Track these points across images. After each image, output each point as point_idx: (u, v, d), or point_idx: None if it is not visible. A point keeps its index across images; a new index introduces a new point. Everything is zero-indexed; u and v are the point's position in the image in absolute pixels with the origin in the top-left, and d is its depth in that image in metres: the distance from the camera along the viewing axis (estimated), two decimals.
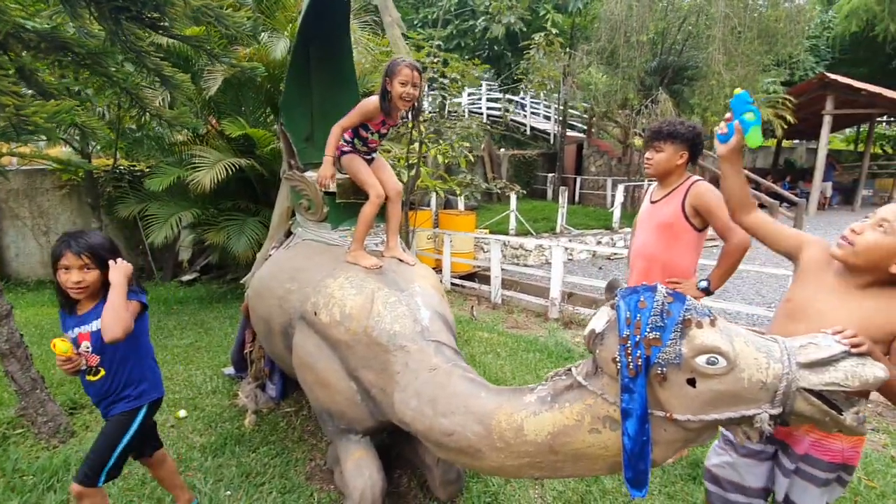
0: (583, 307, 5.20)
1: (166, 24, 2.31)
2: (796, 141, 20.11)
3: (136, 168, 7.04)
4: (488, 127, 7.98)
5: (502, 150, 13.74)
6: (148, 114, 2.73)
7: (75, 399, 3.06)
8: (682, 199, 2.18)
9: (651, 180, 2.43)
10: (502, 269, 5.90)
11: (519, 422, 1.50)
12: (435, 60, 4.20)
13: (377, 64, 5.19)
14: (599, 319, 1.34)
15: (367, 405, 1.98)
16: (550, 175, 13.00)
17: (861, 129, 21.91)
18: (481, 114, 12.36)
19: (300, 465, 2.44)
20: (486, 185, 6.19)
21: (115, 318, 1.66)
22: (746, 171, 10.49)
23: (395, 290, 2.05)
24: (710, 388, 1.20)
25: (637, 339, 1.23)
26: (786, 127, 11.98)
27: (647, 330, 1.22)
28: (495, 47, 11.74)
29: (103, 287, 1.76)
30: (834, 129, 15.03)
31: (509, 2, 5.51)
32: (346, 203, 2.39)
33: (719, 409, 1.22)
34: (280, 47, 5.02)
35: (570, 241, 7.93)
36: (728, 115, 1.52)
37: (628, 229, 9.35)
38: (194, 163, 5.00)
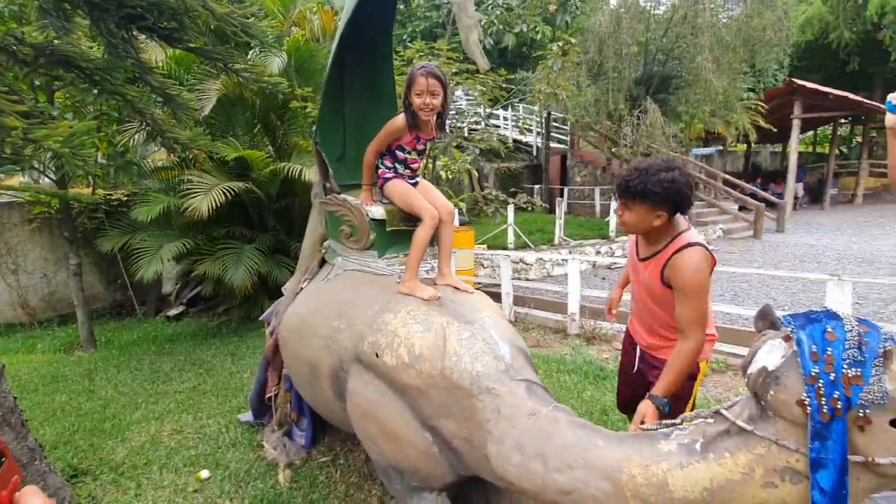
0: (603, 321, 5.05)
1: (181, 35, 2.05)
2: (757, 144, 20.95)
3: (113, 198, 6.57)
4: (505, 142, 7.90)
5: (482, 162, 13.68)
6: (162, 136, 2.45)
7: (74, 464, 2.67)
8: (661, 268, 1.76)
9: None
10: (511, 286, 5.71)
11: (661, 476, 1.28)
12: (455, 72, 4.04)
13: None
14: (771, 355, 1.15)
15: (446, 458, 1.73)
16: (536, 186, 13.02)
17: (819, 132, 23.10)
18: (463, 127, 12.30)
19: None
20: (511, 200, 6.05)
21: None
22: (725, 175, 10.66)
23: (465, 324, 1.82)
24: None
25: (832, 378, 1.04)
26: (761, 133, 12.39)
27: (845, 366, 1.04)
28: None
29: None
30: (800, 132, 15.65)
31: (519, 10, 5.46)
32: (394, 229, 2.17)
33: None
34: (275, 63, 4.77)
35: (570, 251, 7.84)
36: None
37: (625, 238, 9.36)
38: (186, 189, 4.65)
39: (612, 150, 10.25)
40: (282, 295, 2.80)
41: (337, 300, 2.13)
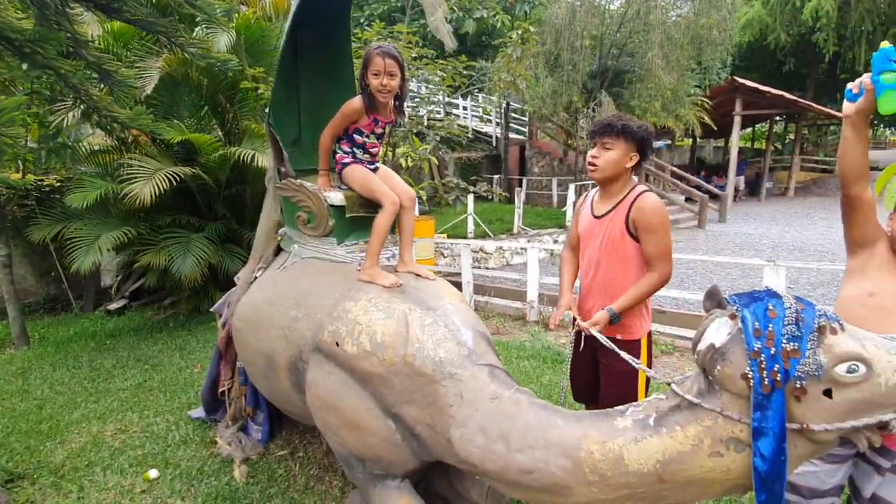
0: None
1: (119, 5, 1.89)
2: (702, 140, 22.09)
3: (45, 183, 6.05)
4: (465, 131, 7.87)
5: (441, 151, 13.61)
6: (99, 115, 2.24)
7: (9, 468, 2.47)
8: (626, 214, 1.89)
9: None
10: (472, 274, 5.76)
11: (617, 451, 1.33)
12: (415, 57, 3.97)
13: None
14: (718, 332, 1.21)
15: (409, 445, 1.73)
16: (496, 177, 13.14)
17: (756, 128, 24.61)
18: (422, 116, 12.19)
19: None
20: (472, 188, 6.05)
21: None
22: (673, 168, 11.20)
23: (427, 311, 1.81)
24: (849, 398, 1.11)
25: (772, 352, 1.11)
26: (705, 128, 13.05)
27: (784, 341, 1.11)
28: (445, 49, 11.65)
29: None
30: (741, 129, 16.60)
31: None
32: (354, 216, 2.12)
33: (856, 417, 1.13)
34: (223, 40, 4.51)
35: (528, 240, 7.99)
36: (867, 74, 1.33)
37: None
38: (127, 174, 4.34)
39: (569, 141, 10.50)
40: (234, 285, 2.68)
41: (294, 289, 2.06)
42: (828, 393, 1.12)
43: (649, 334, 2.05)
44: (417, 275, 2.08)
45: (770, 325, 1.13)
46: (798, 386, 1.11)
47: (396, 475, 1.81)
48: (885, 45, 1.30)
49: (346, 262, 2.12)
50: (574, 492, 1.39)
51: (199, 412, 3.07)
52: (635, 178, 2.00)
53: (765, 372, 1.12)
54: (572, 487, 1.39)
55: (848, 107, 1.42)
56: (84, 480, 2.45)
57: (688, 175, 13.05)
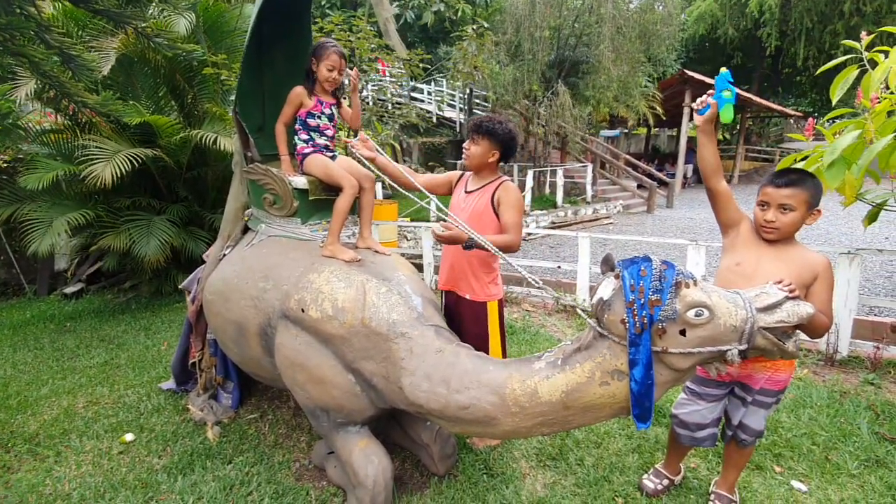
0: (514, 286, 5.57)
1: None
2: (657, 129, 23.08)
3: None
4: (427, 115, 8.03)
5: (402, 138, 13.70)
6: (70, 100, 2.32)
7: None
8: (492, 194, 2.32)
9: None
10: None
11: (533, 386, 1.67)
12: (370, 48, 4.13)
13: None
14: (606, 289, 1.55)
15: (367, 395, 2.01)
16: (459, 161, 13.39)
17: None
18: (386, 101, 12.20)
19: (285, 468, 2.37)
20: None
21: None
22: (626, 156, 11.82)
23: (383, 281, 2.08)
24: (697, 335, 1.47)
25: (642, 302, 1.46)
26: (657, 118, 13.73)
27: (650, 293, 1.45)
28: (407, 35, 11.59)
29: None
30: (690, 119, 17.50)
31: None
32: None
33: (703, 348, 1.49)
34: (182, 23, 4.52)
35: None
36: (711, 91, 1.71)
37: (538, 212, 10.08)
38: (85, 155, 4.32)
39: (529, 128, 10.87)
40: (198, 266, 2.86)
41: (263, 263, 2.27)
42: (683, 332, 1.48)
43: (499, 302, 2.44)
44: (375, 251, 2.34)
45: (641, 282, 1.47)
46: (660, 327, 1.46)
47: (357, 422, 2.08)
48: (724, 70, 1.68)
49: (310, 239, 2.35)
50: (500, 422, 1.72)
51: (169, 384, 3.23)
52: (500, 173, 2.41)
53: (636, 317, 1.46)
54: (499, 418, 1.72)
55: (699, 119, 1.82)
56: (60, 447, 2.60)
57: (640, 163, 13.75)
